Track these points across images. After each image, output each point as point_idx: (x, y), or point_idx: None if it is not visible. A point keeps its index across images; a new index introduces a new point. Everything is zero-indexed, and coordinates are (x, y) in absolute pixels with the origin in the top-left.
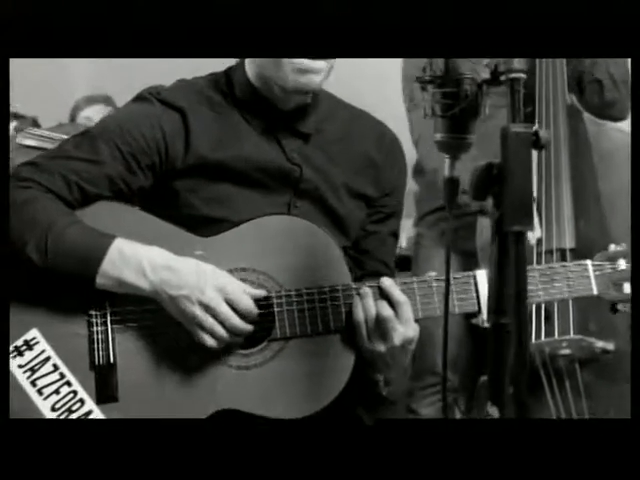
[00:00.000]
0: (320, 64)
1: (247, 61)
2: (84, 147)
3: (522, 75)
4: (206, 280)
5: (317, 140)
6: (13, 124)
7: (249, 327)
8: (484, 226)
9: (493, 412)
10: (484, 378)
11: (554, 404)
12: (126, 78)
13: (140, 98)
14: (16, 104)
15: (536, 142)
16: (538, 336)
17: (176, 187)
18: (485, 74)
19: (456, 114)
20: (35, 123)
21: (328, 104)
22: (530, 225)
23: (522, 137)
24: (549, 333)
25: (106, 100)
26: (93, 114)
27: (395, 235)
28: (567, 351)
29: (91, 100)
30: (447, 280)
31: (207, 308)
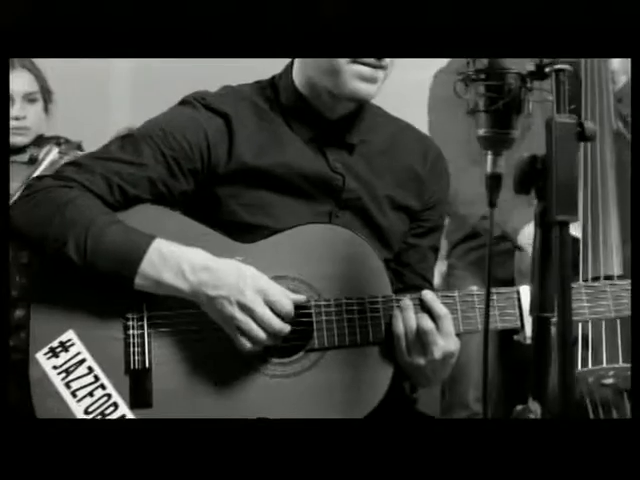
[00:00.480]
0: (380, 74)
1: (295, 69)
2: (127, 149)
3: (568, 67)
4: (246, 281)
5: (361, 151)
6: (57, 149)
7: (287, 327)
8: (523, 257)
9: (535, 408)
10: (519, 407)
11: None
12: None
13: (185, 102)
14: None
15: (581, 133)
16: (584, 364)
17: (217, 193)
18: (530, 66)
19: (500, 108)
20: (79, 147)
21: (373, 115)
22: (575, 215)
23: (567, 127)
24: (597, 362)
25: None
26: None
27: (435, 250)
28: (611, 380)
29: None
30: (487, 292)
31: (246, 309)
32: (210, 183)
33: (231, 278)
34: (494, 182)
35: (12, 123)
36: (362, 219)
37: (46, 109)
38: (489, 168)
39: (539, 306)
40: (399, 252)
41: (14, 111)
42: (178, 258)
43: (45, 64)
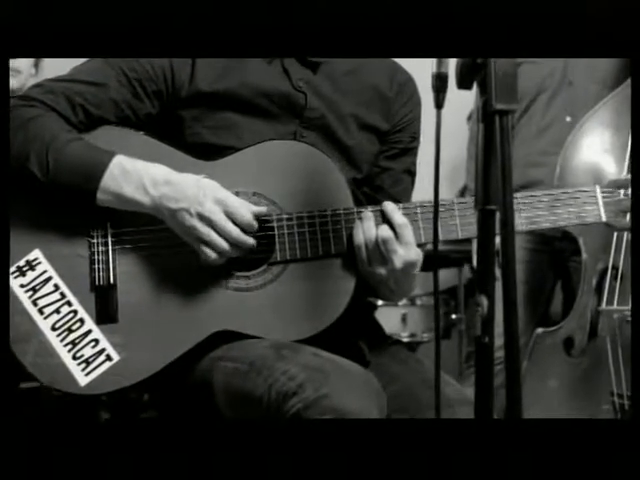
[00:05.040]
0: None
1: None
2: (90, 72)
3: None
4: (205, 193)
5: (326, 70)
6: None
7: (250, 240)
8: None
9: (482, 301)
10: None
11: (616, 375)
12: None
13: None
14: None
15: None
16: (610, 302)
17: (182, 115)
18: None
19: None
20: None
21: None
22: (515, 104)
23: None
24: (625, 302)
25: None
26: None
27: (410, 173)
28: None
29: None
30: (436, 198)
31: (206, 220)
32: (175, 105)
33: (191, 190)
34: (440, 82)
35: None
36: (327, 139)
37: (36, 64)
38: (434, 68)
39: (483, 199)
40: (372, 176)
41: None
42: (139, 172)
43: None
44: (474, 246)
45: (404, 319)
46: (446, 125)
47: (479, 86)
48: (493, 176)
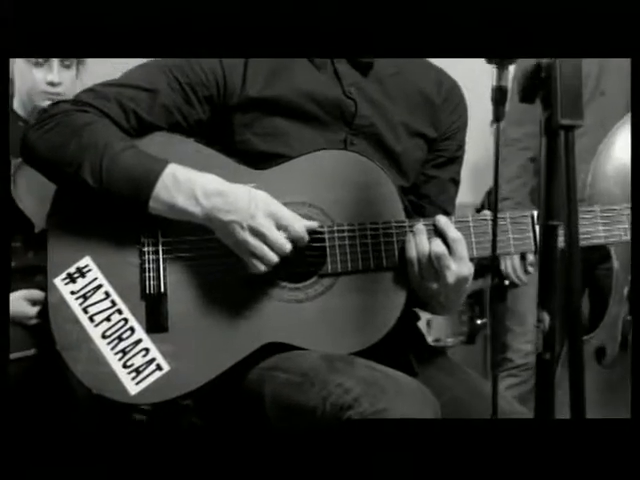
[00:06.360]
0: None
1: None
2: (142, 76)
3: None
4: (257, 205)
5: (374, 73)
6: None
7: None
8: None
9: (544, 318)
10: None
11: None
12: None
13: None
14: None
15: None
16: None
17: (232, 122)
18: None
19: None
20: None
21: None
22: (580, 119)
23: None
24: None
25: None
26: None
27: (455, 182)
28: None
29: None
30: (495, 211)
31: (258, 234)
32: (225, 111)
33: (243, 203)
34: (499, 95)
35: (47, 88)
36: (377, 145)
37: (77, 75)
38: (494, 81)
39: (546, 214)
40: (418, 184)
41: (51, 77)
42: (191, 183)
43: None
44: None
45: (429, 324)
46: (468, 128)
47: (542, 101)
48: (556, 191)
